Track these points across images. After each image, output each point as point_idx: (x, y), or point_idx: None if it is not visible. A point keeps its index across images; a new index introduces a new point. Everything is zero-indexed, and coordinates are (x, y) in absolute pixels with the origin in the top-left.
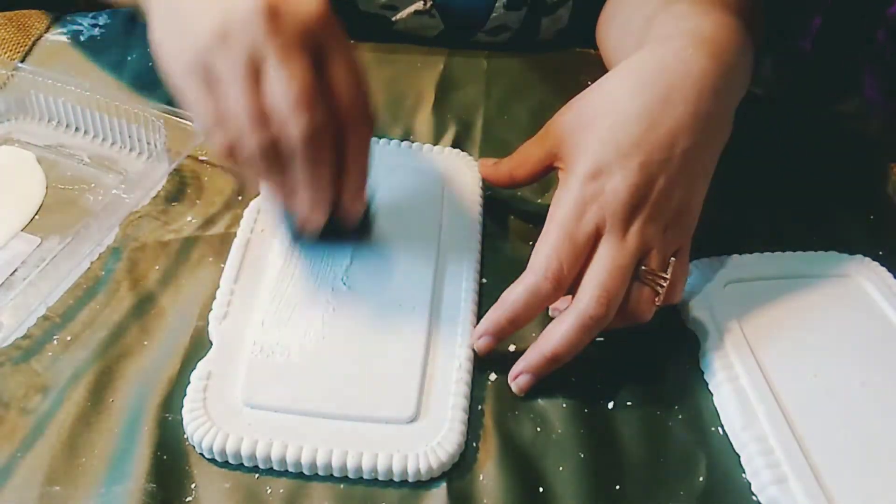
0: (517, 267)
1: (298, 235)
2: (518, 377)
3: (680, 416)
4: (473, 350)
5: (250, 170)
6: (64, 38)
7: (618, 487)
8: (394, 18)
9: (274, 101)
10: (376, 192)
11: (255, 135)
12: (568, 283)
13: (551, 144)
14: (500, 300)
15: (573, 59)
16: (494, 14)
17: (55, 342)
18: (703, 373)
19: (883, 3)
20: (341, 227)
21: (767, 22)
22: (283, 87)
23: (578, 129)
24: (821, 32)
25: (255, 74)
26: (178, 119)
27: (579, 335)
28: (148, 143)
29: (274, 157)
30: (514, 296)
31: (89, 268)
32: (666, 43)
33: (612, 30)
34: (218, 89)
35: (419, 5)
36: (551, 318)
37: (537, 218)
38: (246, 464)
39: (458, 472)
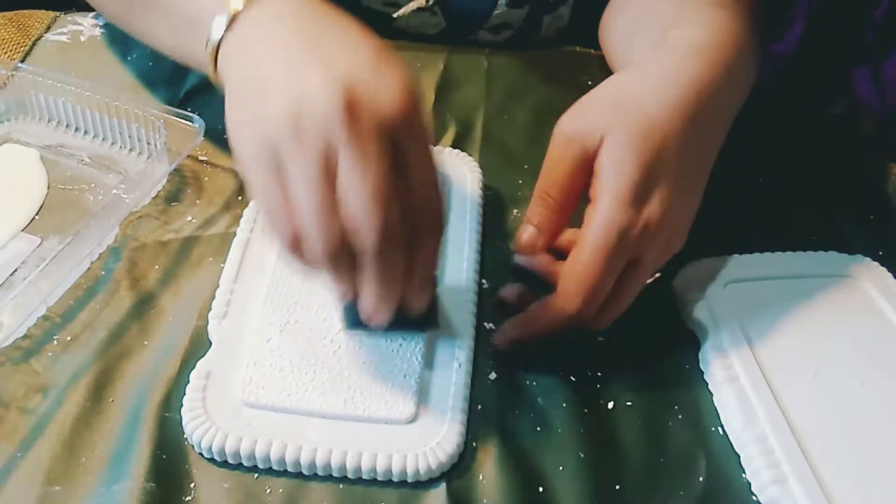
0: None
1: (358, 324)
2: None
3: (680, 416)
4: (473, 350)
5: (314, 264)
6: (64, 38)
7: (618, 487)
8: (395, 15)
9: (347, 197)
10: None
11: (324, 231)
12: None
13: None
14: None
15: (573, 59)
16: (497, 11)
17: (55, 342)
18: (703, 373)
19: (870, 6)
20: (404, 316)
21: None
22: (358, 184)
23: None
24: (807, 35)
25: (327, 166)
26: (178, 119)
27: (559, 327)
28: (148, 143)
29: (341, 254)
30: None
31: (89, 268)
32: (669, 48)
33: (615, 30)
34: (286, 178)
35: (421, 2)
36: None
37: None
38: (245, 463)
39: (457, 472)
